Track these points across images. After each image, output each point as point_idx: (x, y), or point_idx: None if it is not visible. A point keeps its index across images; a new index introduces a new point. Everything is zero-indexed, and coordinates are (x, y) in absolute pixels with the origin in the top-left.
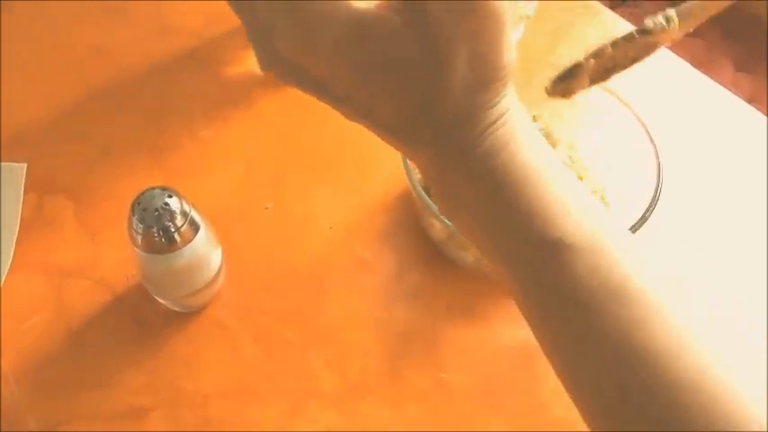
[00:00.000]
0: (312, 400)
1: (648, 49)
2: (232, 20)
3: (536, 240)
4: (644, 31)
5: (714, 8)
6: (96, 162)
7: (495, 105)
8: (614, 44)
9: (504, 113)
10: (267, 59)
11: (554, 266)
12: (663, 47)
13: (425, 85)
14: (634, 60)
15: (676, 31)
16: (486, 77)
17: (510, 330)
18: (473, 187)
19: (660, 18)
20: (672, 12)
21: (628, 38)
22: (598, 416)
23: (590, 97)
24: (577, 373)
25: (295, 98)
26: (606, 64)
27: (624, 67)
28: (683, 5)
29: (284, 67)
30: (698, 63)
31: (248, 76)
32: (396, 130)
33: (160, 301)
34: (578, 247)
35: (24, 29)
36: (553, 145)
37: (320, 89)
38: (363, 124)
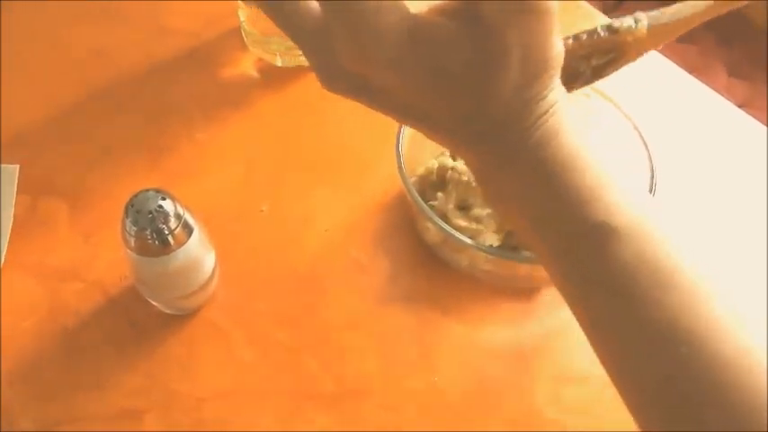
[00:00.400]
0: (307, 403)
1: (617, 52)
2: (230, 21)
3: (583, 227)
4: (609, 28)
5: (689, 22)
6: (92, 163)
7: (544, 98)
8: (576, 37)
9: (552, 105)
10: (328, 76)
11: (599, 252)
12: (652, 53)
13: (480, 86)
14: (603, 69)
15: (644, 35)
16: (536, 71)
17: (504, 333)
18: (523, 180)
19: (629, 19)
20: (641, 15)
21: (591, 33)
22: (644, 404)
23: (584, 102)
24: (622, 361)
25: (292, 100)
26: (571, 64)
27: (592, 75)
28: (656, 11)
29: (346, 81)
30: (691, 68)
31: (246, 78)
32: (451, 131)
33: (154, 303)
34: (624, 233)
35: (22, 29)
36: None
37: (380, 99)
38: (417, 128)
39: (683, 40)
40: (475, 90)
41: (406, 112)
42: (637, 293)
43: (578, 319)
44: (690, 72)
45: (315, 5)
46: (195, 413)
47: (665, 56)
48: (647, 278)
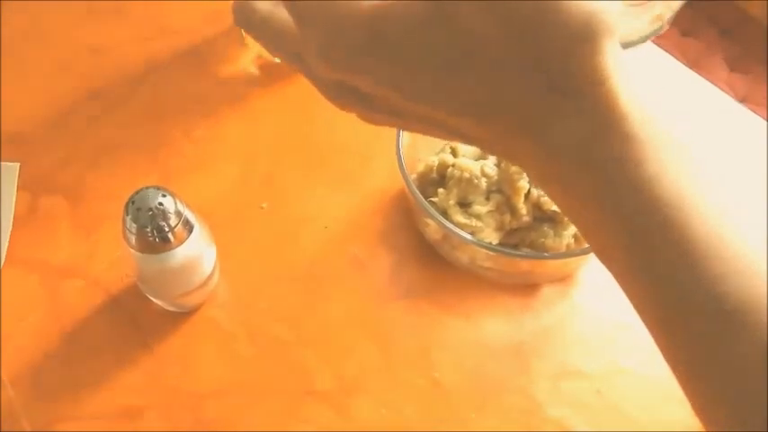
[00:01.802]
0: (307, 400)
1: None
2: (229, 19)
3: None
4: None
5: None
6: (92, 161)
7: (590, 72)
8: None
9: (605, 79)
10: (327, 90)
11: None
12: (652, 47)
13: (462, 72)
14: None
15: None
16: (551, 40)
17: (504, 329)
18: (581, 181)
19: None
20: None
21: None
22: None
23: None
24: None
25: (292, 97)
26: None
27: None
28: None
29: (334, 91)
30: (692, 63)
31: (245, 75)
32: (461, 134)
33: (154, 301)
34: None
35: (22, 28)
36: None
37: (389, 114)
38: (452, 139)
39: (684, 34)
40: (484, 89)
41: (422, 124)
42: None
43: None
44: (690, 66)
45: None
46: (196, 410)
47: (666, 50)
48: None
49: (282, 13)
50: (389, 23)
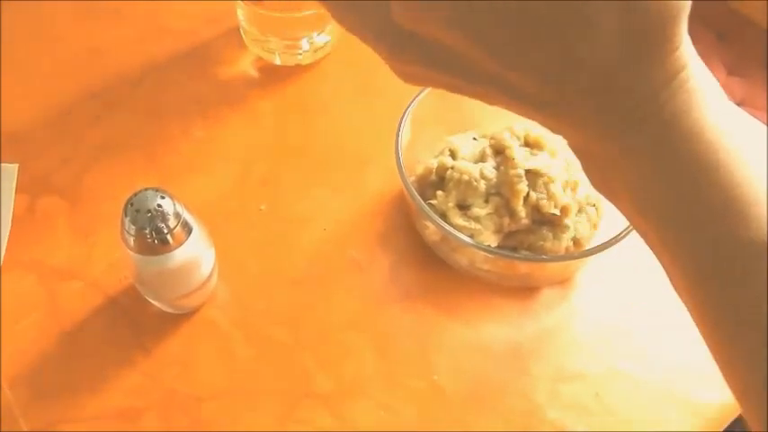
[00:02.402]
0: (305, 402)
1: None
2: (229, 20)
3: (727, 241)
4: None
5: None
6: (91, 162)
7: (672, 52)
8: None
9: (684, 66)
10: (394, 43)
11: (743, 272)
12: None
13: (562, 34)
14: None
15: None
16: (651, 10)
17: (503, 332)
18: (638, 167)
19: None
20: None
21: None
22: None
23: None
24: (749, 389)
25: (291, 99)
26: None
27: None
28: None
29: (413, 51)
30: None
31: (245, 77)
32: (540, 102)
33: (153, 302)
34: None
35: (21, 28)
36: (550, 153)
37: (454, 69)
38: (507, 105)
39: None
40: (556, 41)
41: (485, 84)
42: None
43: (706, 341)
44: None
45: None
46: (194, 412)
47: None
48: None
49: None
50: None
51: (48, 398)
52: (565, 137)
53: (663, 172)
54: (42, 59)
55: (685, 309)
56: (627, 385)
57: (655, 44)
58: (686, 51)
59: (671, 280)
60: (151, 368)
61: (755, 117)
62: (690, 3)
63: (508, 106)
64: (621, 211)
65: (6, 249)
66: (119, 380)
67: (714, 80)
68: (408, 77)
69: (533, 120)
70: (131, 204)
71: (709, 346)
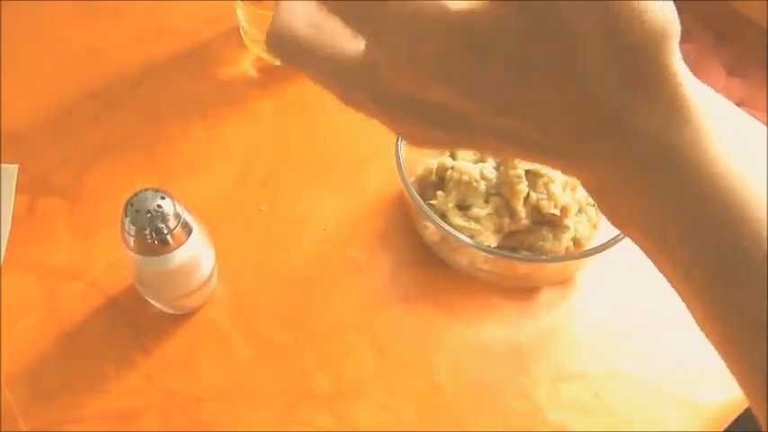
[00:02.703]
0: (305, 402)
1: None
2: (229, 20)
3: (729, 247)
4: None
5: None
6: (91, 163)
7: (664, 74)
8: None
9: (680, 96)
10: (391, 108)
11: (747, 274)
12: None
13: (548, 76)
14: None
15: None
16: (638, 39)
17: (503, 332)
18: (646, 198)
19: None
20: None
21: None
22: None
23: None
24: None
25: (291, 99)
26: None
27: None
28: None
29: (400, 107)
30: (690, 67)
31: (244, 77)
32: (539, 146)
33: (153, 303)
34: None
35: (21, 28)
36: None
37: (454, 126)
38: (517, 155)
39: (681, 38)
40: (557, 86)
41: (485, 136)
42: None
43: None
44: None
45: (349, 46)
46: (193, 412)
47: None
48: None
49: (334, 30)
50: (482, 27)
51: (48, 398)
52: (577, 178)
53: (669, 203)
54: (42, 59)
55: (685, 308)
56: (627, 385)
57: (645, 80)
58: (682, 76)
59: (673, 284)
60: (151, 368)
61: (755, 117)
62: (677, 26)
63: (518, 156)
64: (630, 237)
65: (6, 249)
66: (119, 380)
67: (714, 98)
68: (413, 140)
69: (545, 165)
70: (131, 205)
71: (715, 345)
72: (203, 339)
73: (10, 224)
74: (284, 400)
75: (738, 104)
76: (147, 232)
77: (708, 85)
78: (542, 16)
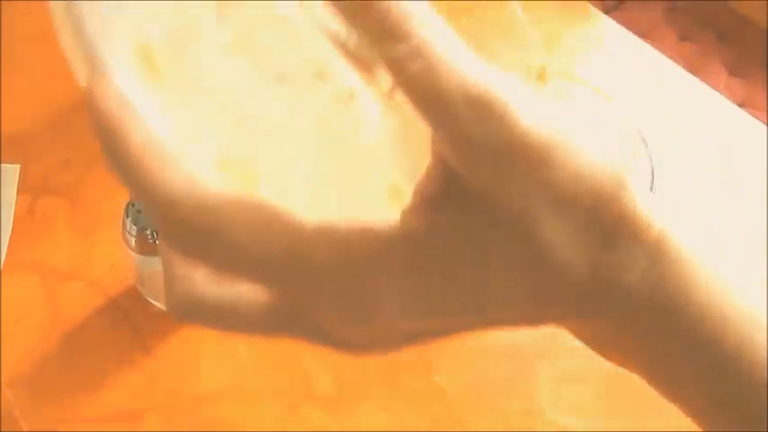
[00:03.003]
0: (306, 403)
1: None
2: None
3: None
4: None
5: None
6: (92, 163)
7: (632, 248)
8: None
9: (656, 243)
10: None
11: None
12: (651, 51)
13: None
14: None
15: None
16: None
17: (505, 333)
18: (642, 345)
19: None
20: None
21: None
22: None
23: (582, 101)
24: None
25: None
26: None
27: None
28: None
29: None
30: (691, 67)
31: None
32: (542, 320)
33: (154, 303)
34: None
35: (22, 29)
36: None
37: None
38: (516, 328)
39: (681, 38)
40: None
41: (445, 332)
42: None
43: None
44: (689, 71)
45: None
46: (195, 413)
47: (665, 54)
48: None
49: (228, 291)
50: (431, 238)
51: (48, 398)
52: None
53: (664, 345)
54: (43, 59)
55: None
56: (630, 387)
57: (613, 239)
58: (648, 216)
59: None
60: (152, 369)
61: (756, 117)
62: (630, 169)
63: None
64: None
65: (7, 250)
66: (119, 380)
67: (693, 238)
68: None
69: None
70: (133, 205)
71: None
72: (204, 340)
73: (11, 224)
74: (285, 400)
75: (740, 105)
76: (148, 232)
77: (709, 85)
78: (490, 223)
